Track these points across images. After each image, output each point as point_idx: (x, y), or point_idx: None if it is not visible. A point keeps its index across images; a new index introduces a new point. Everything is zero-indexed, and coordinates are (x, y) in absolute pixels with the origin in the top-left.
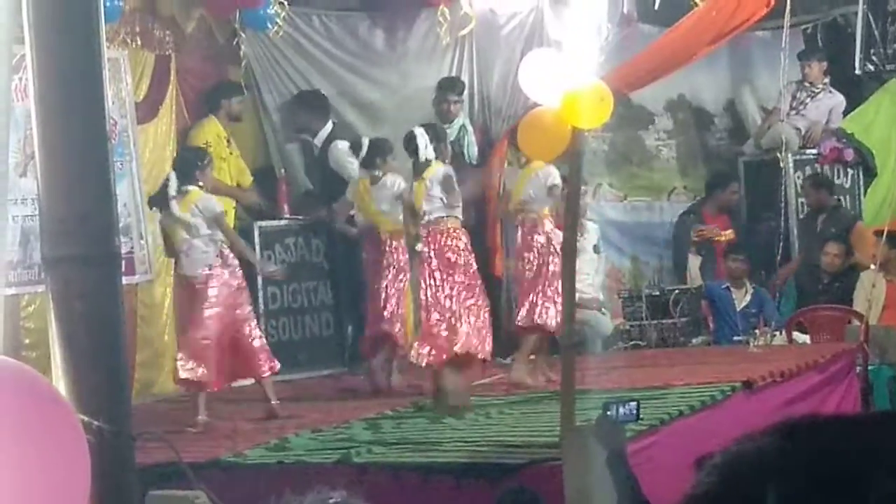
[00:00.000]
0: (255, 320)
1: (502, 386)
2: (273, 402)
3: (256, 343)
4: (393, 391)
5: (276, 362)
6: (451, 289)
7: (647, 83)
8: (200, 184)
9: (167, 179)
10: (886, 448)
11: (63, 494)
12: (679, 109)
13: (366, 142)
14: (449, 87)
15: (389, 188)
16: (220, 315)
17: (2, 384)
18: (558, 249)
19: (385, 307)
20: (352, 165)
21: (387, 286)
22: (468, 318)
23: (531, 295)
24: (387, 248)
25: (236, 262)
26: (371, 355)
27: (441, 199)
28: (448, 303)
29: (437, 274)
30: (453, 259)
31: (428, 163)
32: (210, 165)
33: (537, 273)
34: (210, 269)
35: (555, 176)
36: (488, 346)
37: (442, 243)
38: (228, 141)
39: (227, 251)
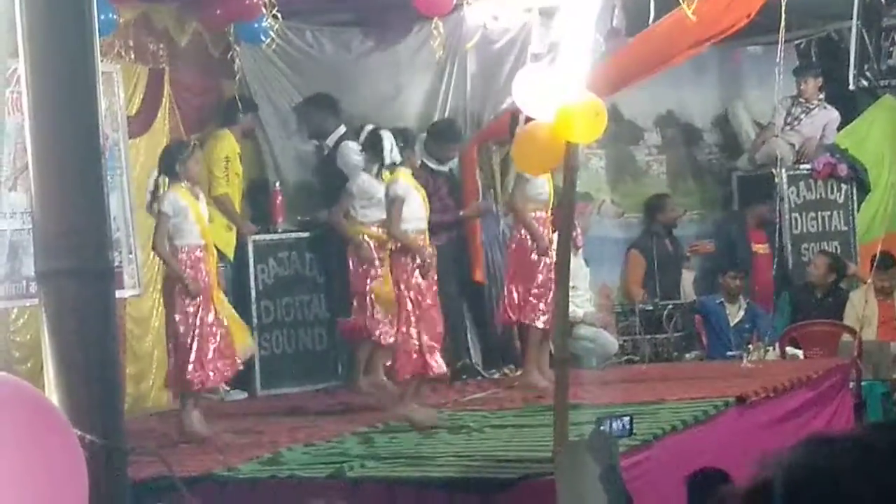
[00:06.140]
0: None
1: (496, 401)
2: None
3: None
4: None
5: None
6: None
7: (623, 86)
8: (182, 178)
9: (155, 184)
10: None
11: None
12: (667, 125)
13: (368, 128)
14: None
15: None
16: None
17: (2, 401)
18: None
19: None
20: (358, 165)
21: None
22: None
23: (528, 297)
24: (367, 254)
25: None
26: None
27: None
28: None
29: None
30: (401, 281)
31: (393, 166)
32: (192, 157)
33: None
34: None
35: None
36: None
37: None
38: (240, 158)
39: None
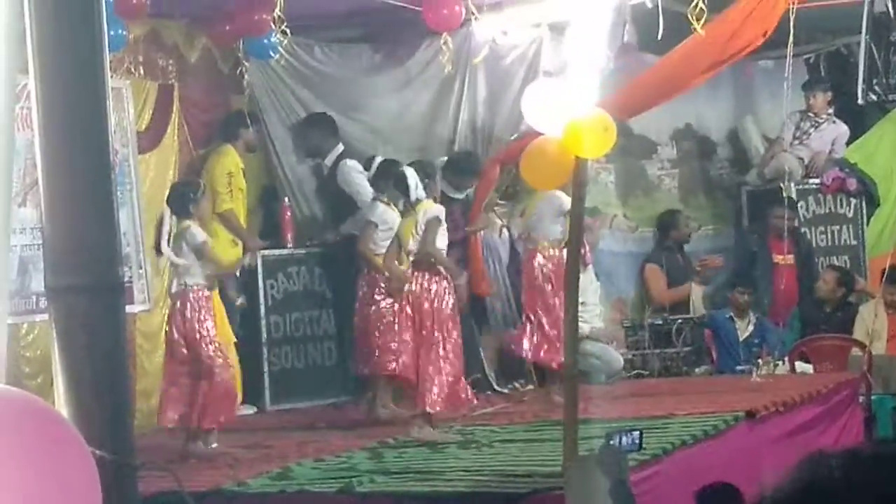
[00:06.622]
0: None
1: (506, 415)
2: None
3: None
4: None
5: (230, 415)
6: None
7: (643, 110)
8: (195, 217)
9: (161, 219)
10: None
11: None
12: (684, 139)
13: (377, 161)
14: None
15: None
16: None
17: (16, 417)
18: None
19: (379, 340)
20: (360, 183)
21: (376, 317)
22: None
23: (531, 326)
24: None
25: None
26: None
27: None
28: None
29: (415, 318)
30: (426, 306)
31: (418, 202)
32: (204, 196)
33: (542, 301)
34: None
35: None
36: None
37: (424, 286)
38: (243, 172)
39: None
